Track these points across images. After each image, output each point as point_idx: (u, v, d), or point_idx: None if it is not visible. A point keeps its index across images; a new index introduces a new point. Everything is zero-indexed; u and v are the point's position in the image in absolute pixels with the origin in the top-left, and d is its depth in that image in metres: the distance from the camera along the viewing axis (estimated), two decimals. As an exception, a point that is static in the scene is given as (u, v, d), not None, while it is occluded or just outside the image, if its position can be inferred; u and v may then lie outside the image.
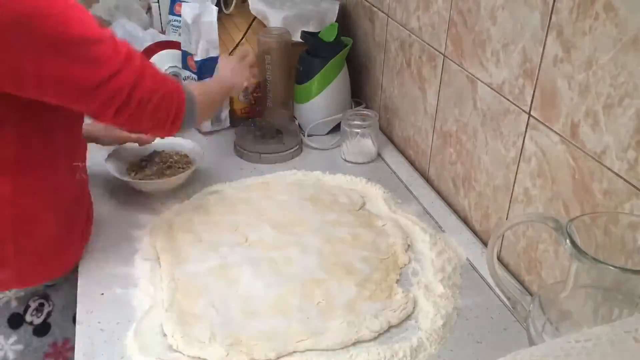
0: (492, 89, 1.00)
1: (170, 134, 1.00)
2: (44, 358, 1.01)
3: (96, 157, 1.18)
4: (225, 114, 1.46)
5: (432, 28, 1.17)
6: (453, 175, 1.17)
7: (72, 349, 0.93)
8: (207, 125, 1.43)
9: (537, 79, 0.88)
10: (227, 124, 1.47)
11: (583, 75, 0.79)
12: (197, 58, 1.39)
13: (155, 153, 1.25)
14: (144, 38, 1.56)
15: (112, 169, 1.18)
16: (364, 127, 1.32)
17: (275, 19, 1.46)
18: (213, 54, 1.39)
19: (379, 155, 1.37)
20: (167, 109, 0.94)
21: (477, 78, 1.04)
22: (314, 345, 0.84)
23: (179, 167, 1.22)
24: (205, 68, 1.40)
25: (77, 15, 0.81)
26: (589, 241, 0.68)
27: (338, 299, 0.92)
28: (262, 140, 1.37)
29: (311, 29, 1.46)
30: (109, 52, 0.84)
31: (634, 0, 0.70)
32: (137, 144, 1.23)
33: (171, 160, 1.23)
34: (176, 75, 1.49)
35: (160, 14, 1.75)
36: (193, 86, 1.08)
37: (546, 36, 0.85)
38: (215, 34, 1.38)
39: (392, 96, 1.40)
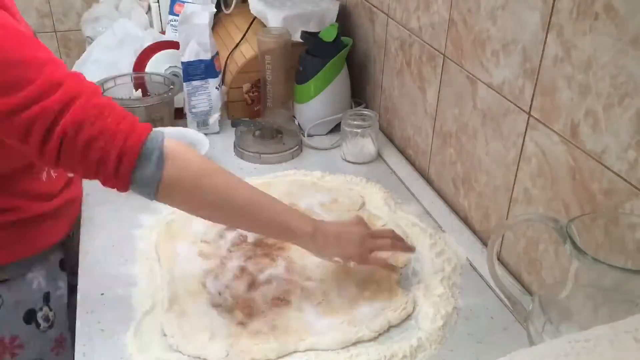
0: (492, 89, 1.00)
1: (119, 188, 0.81)
2: None
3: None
4: (214, 118, 1.44)
5: (432, 28, 1.17)
6: (453, 175, 1.17)
7: (21, 346, 0.95)
8: (193, 127, 1.42)
9: (537, 79, 0.88)
10: (216, 128, 1.44)
11: (583, 75, 0.79)
12: (184, 59, 1.38)
13: None
14: (144, 38, 1.56)
15: None
16: (364, 127, 1.32)
17: (275, 19, 1.46)
18: (204, 56, 1.39)
19: (379, 155, 1.37)
20: (104, 150, 0.76)
21: (477, 78, 1.04)
22: (314, 345, 0.84)
23: None
24: (192, 70, 1.39)
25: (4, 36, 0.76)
26: (589, 241, 0.68)
27: (338, 299, 0.92)
28: (262, 141, 1.37)
29: (311, 29, 1.46)
30: (33, 76, 0.76)
31: (634, 0, 0.70)
32: None
33: None
34: (176, 75, 1.49)
35: (160, 14, 1.76)
36: (201, 161, 0.83)
37: (546, 36, 0.85)
38: (206, 37, 1.37)
39: (392, 96, 1.41)
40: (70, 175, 1.05)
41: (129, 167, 0.78)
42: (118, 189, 0.81)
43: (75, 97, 0.76)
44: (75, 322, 0.89)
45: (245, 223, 0.88)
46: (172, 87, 1.41)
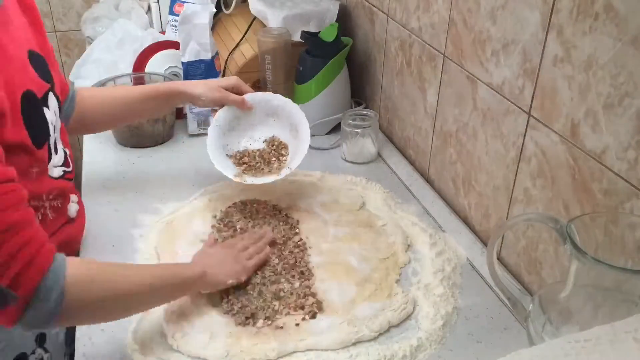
0: (492, 89, 1.00)
1: (2, 321, 0.70)
2: None
3: (95, 156, 1.18)
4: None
5: (432, 28, 1.17)
6: (453, 175, 1.17)
7: None
8: (193, 128, 1.42)
9: (537, 79, 0.88)
10: None
11: (583, 75, 0.79)
12: (184, 59, 1.38)
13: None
14: (144, 38, 1.56)
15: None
16: (364, 127, 1.32)
17: (275, 19, 1.46)
18: (204, 56, 1.39)
19: (379, 155, 1.37)
20: None
21: (477, 78, 1.04)
22: (314, 345, 0.84)
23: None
24: (193, 70, 1.39)
25: None
26: (589, 241, 0.68)
27: (338, 299, 0.92)
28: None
29: (311, 29, 1.46)
30: None
31: (634, 0, 0.70)
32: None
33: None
34: (176, 75, 1.49)
35: (160, 14, 1.76)
36: (86, 268, 0.75)
37: (546, 36, 0.85)
38: (206, 37, 1.37)
39: (392, 96, 1.40)
40: (73, 216, 0.99)
41: (19, 309, 0.69)
42: (2, 324, 0.71)
43: None
44: (74, 356, 0.84)
45: (153, 304, 0.85)
46: (172, 86, 1.41)
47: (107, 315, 0.79)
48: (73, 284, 0.71)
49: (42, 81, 0.89)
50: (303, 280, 0.95)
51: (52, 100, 0.92)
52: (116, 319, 0.81)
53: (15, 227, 0.69)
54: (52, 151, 0.92)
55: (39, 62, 0.91)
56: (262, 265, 0.98)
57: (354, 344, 0.85)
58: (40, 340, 0.96)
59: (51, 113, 0.90)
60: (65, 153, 0.97)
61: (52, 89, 0.92)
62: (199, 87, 1.13)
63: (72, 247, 1.01)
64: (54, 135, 0.92)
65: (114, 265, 0.84)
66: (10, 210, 0.70)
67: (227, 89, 1.15)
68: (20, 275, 0.67)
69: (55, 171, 0.93)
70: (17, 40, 0.87)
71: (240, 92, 1.17)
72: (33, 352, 0.95)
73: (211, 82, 1.17)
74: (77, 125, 1.10)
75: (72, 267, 0.72)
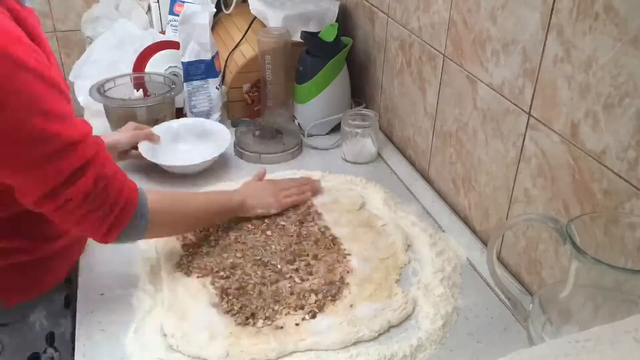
0: (492, 89, 1.00)
1: (103, 241, 0.88)
2: None
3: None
4: (215, 118, 1.45)
5: (432, 28, 1.17)
6: (453, 175, 1.17)
7: None
8: None
9: (537, 79, 0.88)
10: None
11: (583, 75, 0.79)
12: (184, 59, 1.38)
13: None
14: (144, 38, 1.56)
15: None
16: (364, 127, 1.32)
17: (275, 19, 1.46)
18: (204, 56, 1.39)
19: (379, 155, 1.37)
20: (99, 219, 0.84)
21: (477, 78, 1.04)
22: (314, 345, 0.84)
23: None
24: (193, 70, 1.39)
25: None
26: (589, 241, 0.68)
27: (338, 299, 0.92)
28: (262, 140, 1.37)
29: (311, 29, 1.46)
30: (53, 130, 0.77)
31: (634, 0, 0.70)
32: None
33: None
34: (176, 75, 1.49)
35: (160, 14, 1.76)
36: (161, 197, 0.96)
37: (546, 36, 0.85)
38: (206, 37, 1.37)
39: (392, 96, 1.40)
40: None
41: (117, 230, 0.87)
42: (100, 242, 0.89)
43: (89, 162, 0.81)
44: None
45: (205, 225, 1.07)
46: (173, 86, 1.41)
47: (177, 229, 1.03)
48: (154, 207, 0.91)
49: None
50: (333, 250, 1.02)
51: None
52: (184, 233, 1.05)
53: (114, 174, 0.86)
54: None
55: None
56: (298, 205, 1.14)
57: (354, 344, 0.85)
58: (51, 339, 0.98)
59: None
60: None
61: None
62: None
63: (81, 246, 1.02)
64: None
65: (180, 194, 1.09)
66: (109, 157, 0.86)
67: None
68: (122, 212, 0.86)
69: None
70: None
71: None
72: (45, 352, 0.98)
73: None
74: None
75: (151, 195, 0.92)
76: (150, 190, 0.93)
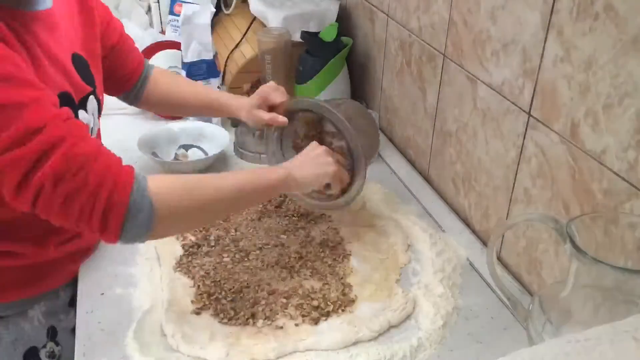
0: (492, 89, 1.00)
1: (107, 241, 0.79)
2: None
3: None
4: (215, 118, 1.44)
5: (432, 28, 1.17)
6: (453, 175, 1.17)
7: None
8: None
9: (537, 79, 0.88)
10: None
11: (583, 75, 0.79)
12: (186, 60, 1.38)
13: None
14: (144, 38, 1.56)
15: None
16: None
17: (275, 19, 1.46)
18: (206, 56, 1.39)
19: (379, 155, 1.37)
20: (88, 205, 0.74)
21: (477, 78, 1.04)
22: (314, 345, 0.84)
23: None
24: (195, 70, 1.40)
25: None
26: (589, 241, 0.68)
27: (339, 299, 0.92)
28: (262, 141, 1.37)
29: (311, 29, 1.46)
30: (7, 121, 0.71)
31: (634, 0, 0.70)
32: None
33: None
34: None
35: (160, 14, 1.76)
36: (169, 181, 0.81)
37: (546, 36, 0.85)
38: (208, 37, 1.37)
39: (392, 96, 1.40)
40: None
41: (117, 222, 0.76)
42: (106, 242, 0.80)
43: (56, 145, 0.73)
44: None
45: (239, 208, 1.00)
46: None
47: (198, 218, 0.86)
48: (158, 193, 0.77)
49: (84, 84, 0.90)
50: (333, 250, 1.02)
51: (91, 102, 0.92)
52: (207, 223, 0.94)
53: (94, 154, 0.76)
54: None
55: (82, 65, 0.92)
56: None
57: (354, 344, 0.85)
58: (52, 334, 0.98)
59: (89, 115, 0.91)
60: None
61: (93, 92, 0.93)
62: (242, 112, 1.11)
63: (89, 250, 1.01)
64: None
65: (197, 176, 0.90)
66: (87, 139, 0.76)
67: (259, 106, 1.09)
68: (112, 195, 0.74)
69: None
70: (62, 43, 0.87)
71: (269, 102, 1.09)
72: (44, 346, 0.97)
73: (245, 104, 1.10)
74: (143, 100, 1.16)
75: (152, 180, 0.79)
76: (153, 176, 0.80)
